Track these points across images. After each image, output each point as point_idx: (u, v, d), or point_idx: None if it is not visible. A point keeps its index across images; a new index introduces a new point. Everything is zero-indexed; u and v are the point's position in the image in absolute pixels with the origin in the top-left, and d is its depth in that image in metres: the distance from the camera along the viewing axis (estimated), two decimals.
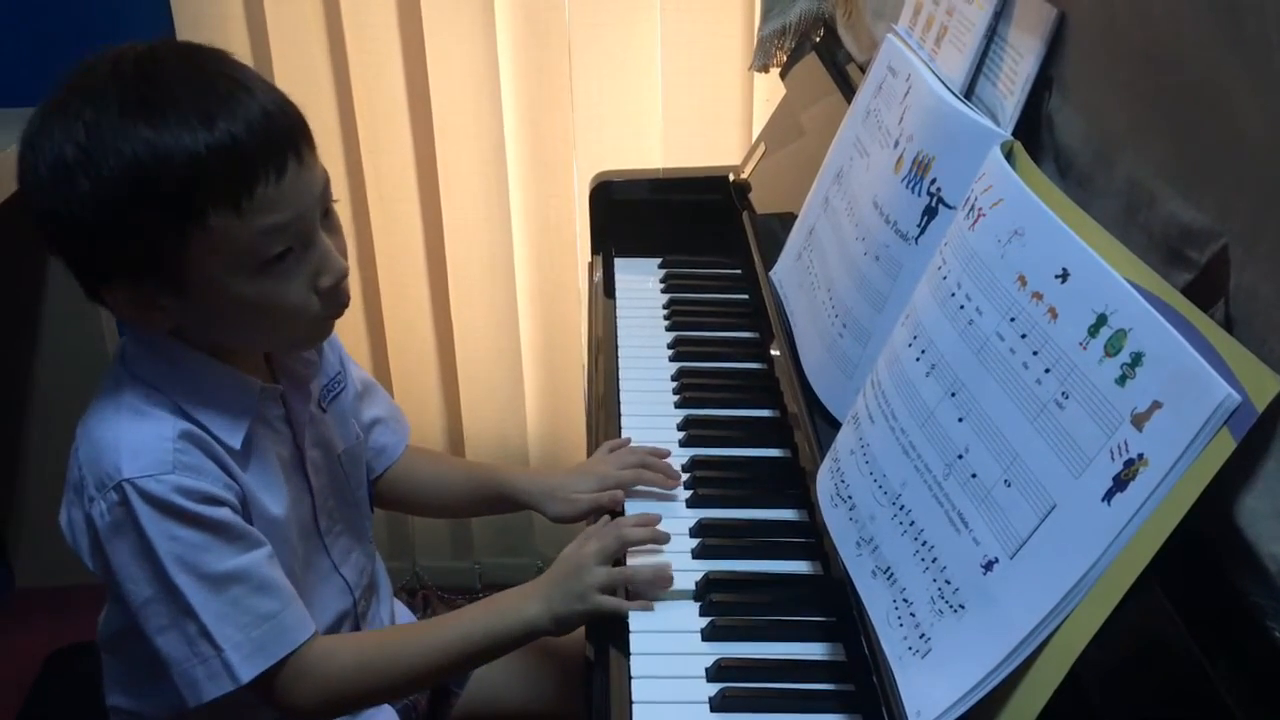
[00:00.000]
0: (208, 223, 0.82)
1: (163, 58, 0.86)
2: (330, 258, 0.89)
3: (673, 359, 1.33)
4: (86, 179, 0.81)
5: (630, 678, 0.88)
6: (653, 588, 0.96)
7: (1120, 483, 0.60)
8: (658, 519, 1.03)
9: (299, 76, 1.78)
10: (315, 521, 1.03)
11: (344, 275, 0.90)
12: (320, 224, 0.89)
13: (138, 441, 0.87)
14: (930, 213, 0.91)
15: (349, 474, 1.08)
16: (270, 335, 0.93)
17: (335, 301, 0.91)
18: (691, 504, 1.09)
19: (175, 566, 0.86)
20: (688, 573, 0.98)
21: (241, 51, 1.72)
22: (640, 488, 1.10)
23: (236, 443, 0.91)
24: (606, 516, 1.06)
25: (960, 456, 0.73)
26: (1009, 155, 0.80)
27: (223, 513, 0.88)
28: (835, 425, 0.97)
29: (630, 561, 1.00)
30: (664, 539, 0.99)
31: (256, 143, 0.82)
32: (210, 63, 0.87)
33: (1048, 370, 0.67)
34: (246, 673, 0.89)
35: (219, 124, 0.81)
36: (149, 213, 0.82)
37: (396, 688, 1.01)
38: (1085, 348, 0.65)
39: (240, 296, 0.86)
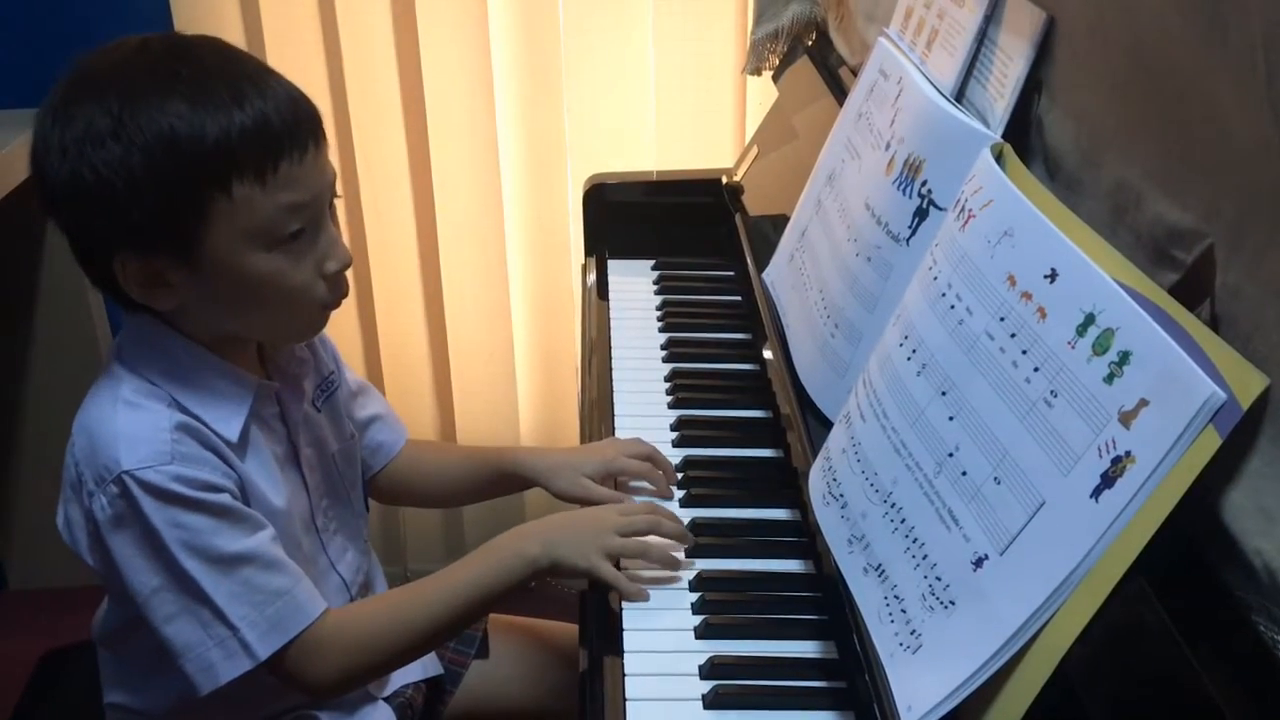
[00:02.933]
0: (232, 193, 0.85)
1: (192, 42, 0.90)
2: (338, 244, 0.93)
3: (666, 360, 1.34)
4: (118, 144, 0.84)
5: (624, 675, 0.88)
6: (657, 565, 0.97)
7: (1108, 480, 0.61)
8: (684, 535, 1.02)
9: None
10: (312, 519, 1.03)
11: (349, 262, 0.93)
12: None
13: (135, 433, 0.88)
14: (921, 214, 0.92)
15: (343, 473, 1.08)
16: (271, 320, 0.94)
17: (337, 289, 0.93)
18: (685, 503, 1.10)
19: (183, 552, 0.87)
20: (682, 572, 0.99)
21: None
22: (636, 483, 1.11)
23: (233, 435, 0.92)
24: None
25: (950, 455, 0.74)
26: (999, 157, 0.81)
27: (223, 498, 0.89)
28: (827, 425, 0.98)
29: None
30: (677, 566, 0.99)
31: (284, 122, 0.86)
32: (235, 51, 0.91)
33: (1037, 369, 0.68)
34: (264, 650, 0.89)
35: (251, 102, 0.85)
36: (177, 178, 0.84)
37: (411, 649, 1.01)
38: (1073, 347, 0.66)
39: (250, 273, 0.88)
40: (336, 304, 0.95)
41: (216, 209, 0.85)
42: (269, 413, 0.98)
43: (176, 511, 0.87)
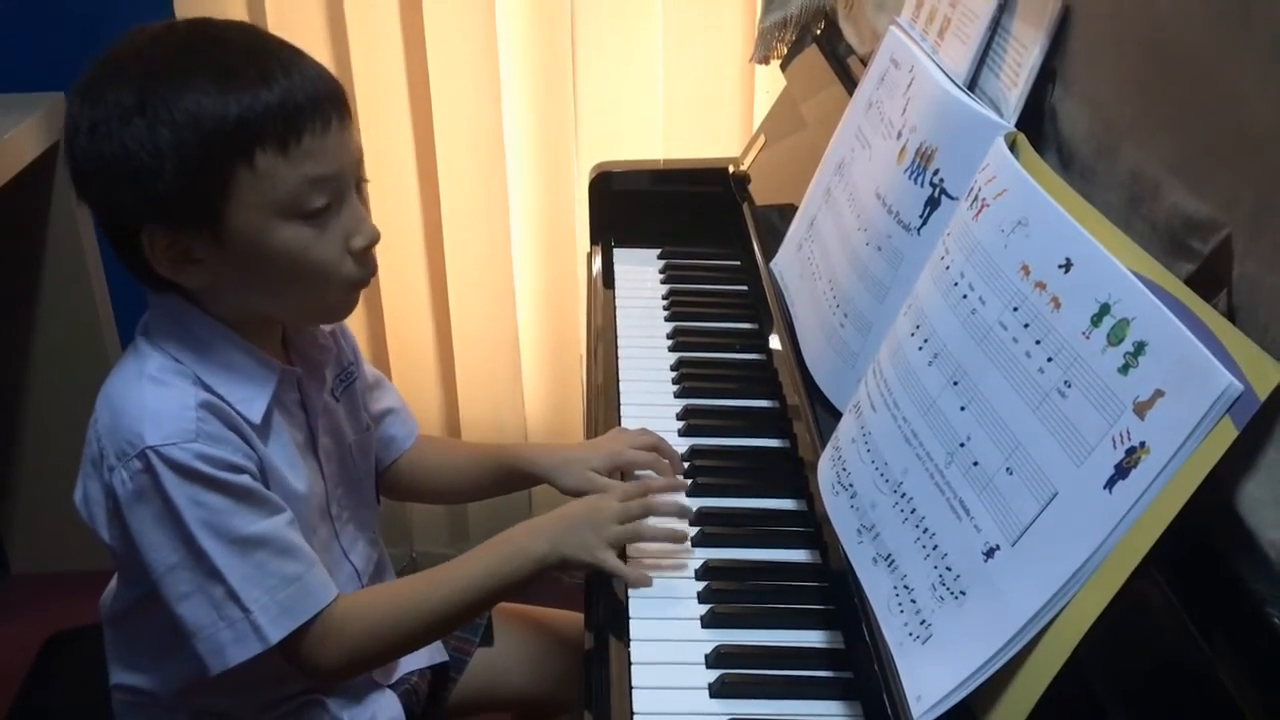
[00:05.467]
0: (255, 164, 0.85)
1: (219, 25, 0.91)
2: (364, 220, 0.93)
3: (672, 349, 1.34)
4: (143, 120, 0.84)
5: (630, 664, 0.88)
6: (659, 546, 0.98)
7: (1122, 470, 0.61)
8: (683, 486, 1.06)
9: None
10: (327, 507, 1.03)
11: (376, 238, 0.93)
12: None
13: (160, 410, 0.88)
14: (933, 203, 0.91)
15: (358, 464, 1.08)
16: (300, 297, 0.94)
17: (365, 265, 0.93)
18: (691, 493, 1.09)
19: (202, 530, 0.87)
20: (688, 560, 0.99)
21: None
22: (642, 472, 1.11)
23: (256, 417, 0.92)
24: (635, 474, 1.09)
25: (962, 445, 0.73)
26: (1012, 146, 0.80)
27: (244, 479, 0.89)
28: (835, 414, 0.98)
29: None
30: (680, 539, 1.00)
31: (307, 96, 0.87)
32: (264, 34, 0.92)
33: (1050, 359, 0.68)
34: (275, 634, 0.89)
35: (277, 81, 0.86)
36: (201, 152, 0.85)
37: (418, 638, 1.02)
38: (1088, 337, 0.65)
39: (276, 246, 0.88)
40: (365, 282, 0.94)
41: (240, 180, 0.86)
42: (290, 398, 0.99)
43: (198, 490, 0.87)
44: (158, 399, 0.88)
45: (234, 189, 0.86)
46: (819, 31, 1.52)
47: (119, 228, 0.90)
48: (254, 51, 0.87)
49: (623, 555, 0.99)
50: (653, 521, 1.00)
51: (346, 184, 0.91)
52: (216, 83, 0.84)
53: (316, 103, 0.87)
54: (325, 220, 0.89)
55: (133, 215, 0.88)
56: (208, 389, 0.90)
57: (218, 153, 0.85)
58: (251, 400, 0.92)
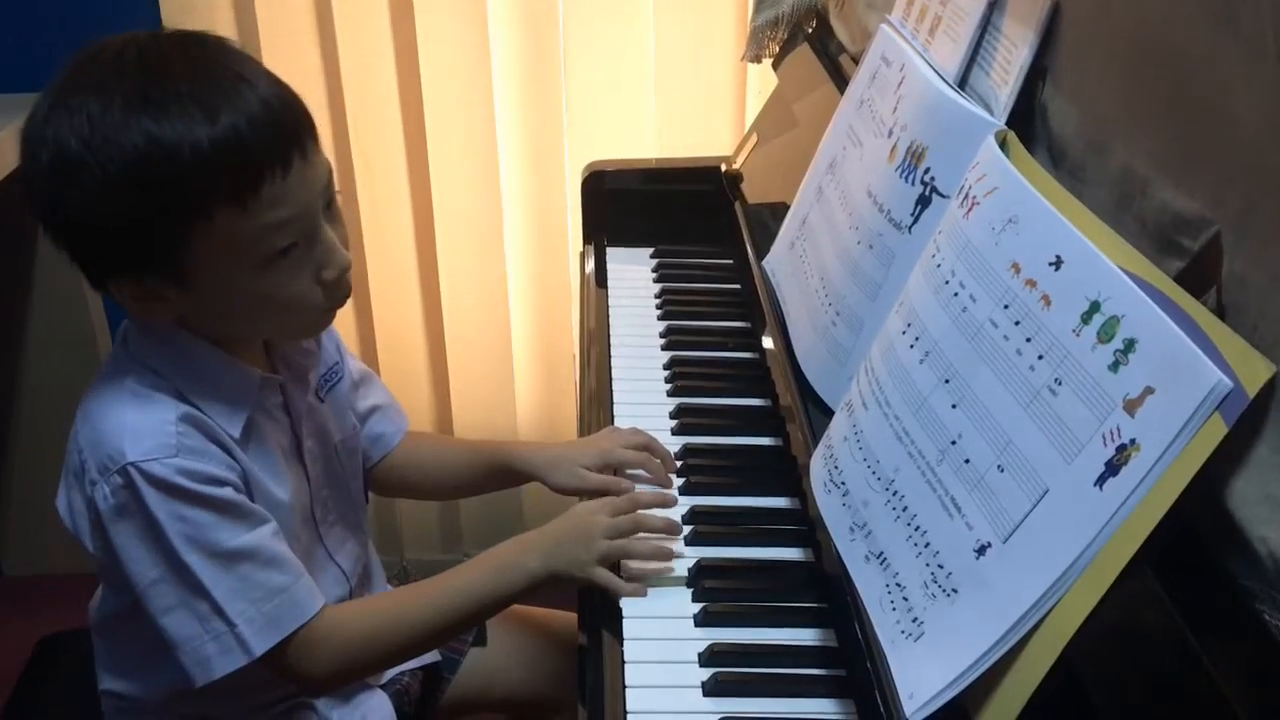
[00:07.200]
0: (213, 219, 0.82)
1: (165, 50, 0.84)
2: (334, 251, 0.89)
3: (665, 348, 1.34)
4: (89, 174, 0.81)
5: (623, 662, 0.88)
6: (648, 563, 0.97)
7: (1112, 468, 0.61)
8: (674, 502, 1.06)
9: (288, 67, 1.75)
10: (312, 510, 1.03)
11: (347, 267, 0.91)
12: (323, 215, 0.89)
13: (140, 425, 0.87)
14: (924, 201, 0.92)
15: (344, 465, 1.08)
16: (272, 325, 0.94)
17: (338, 293, 0.92)
18: (684, 491, 1.09)
19: (185, 545, 0.87)
20: (681, 559, 0.99)
21: None
22: (634, 471, 1.10)
23: (236, 431, 0.91)
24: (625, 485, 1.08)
25: (953, 442, 0.74)
26: (1003, 144, 0.80)
27: (226, 492, 0.89)
28: (827, 412, 0.98)
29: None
30: (669, 555, 0.99)
31: (261, 138, 0.82)
32: (212, 54, 0.86)
33: (1041, 357, 0.68)
34: (260, 646, 0.89)
35: (222, 118, 0.81)
36: (152, 208, 0.82)
37: (405, 651, 1.02)
38: (1078, 334, 0.65)
39: (244, 290, 0.87)
40: (339, 305, 0.93)
41: (198, 233, 0.83)
42: (273, 403, 0.98)
43: (179, 505, 0.86)
44: (137, 414, 0.88)
45: (193, 242, 0.83)
46: (810, 30, 1.52)
47: (84, 267, 0.88)
48: (199, 83, 0.81)
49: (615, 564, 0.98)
50: (643, 537, 0.99)
51: (312, 219, 0.87)
52: (158, 125, 0.79)
53: (271, 145, 0.82)
54: (291, 260, 0.87)
55: (96, 268, 0.87)
56: (188, 402, 0.89)
57: (171, 211, 0.82)
58: (231, 413, 0.91)
